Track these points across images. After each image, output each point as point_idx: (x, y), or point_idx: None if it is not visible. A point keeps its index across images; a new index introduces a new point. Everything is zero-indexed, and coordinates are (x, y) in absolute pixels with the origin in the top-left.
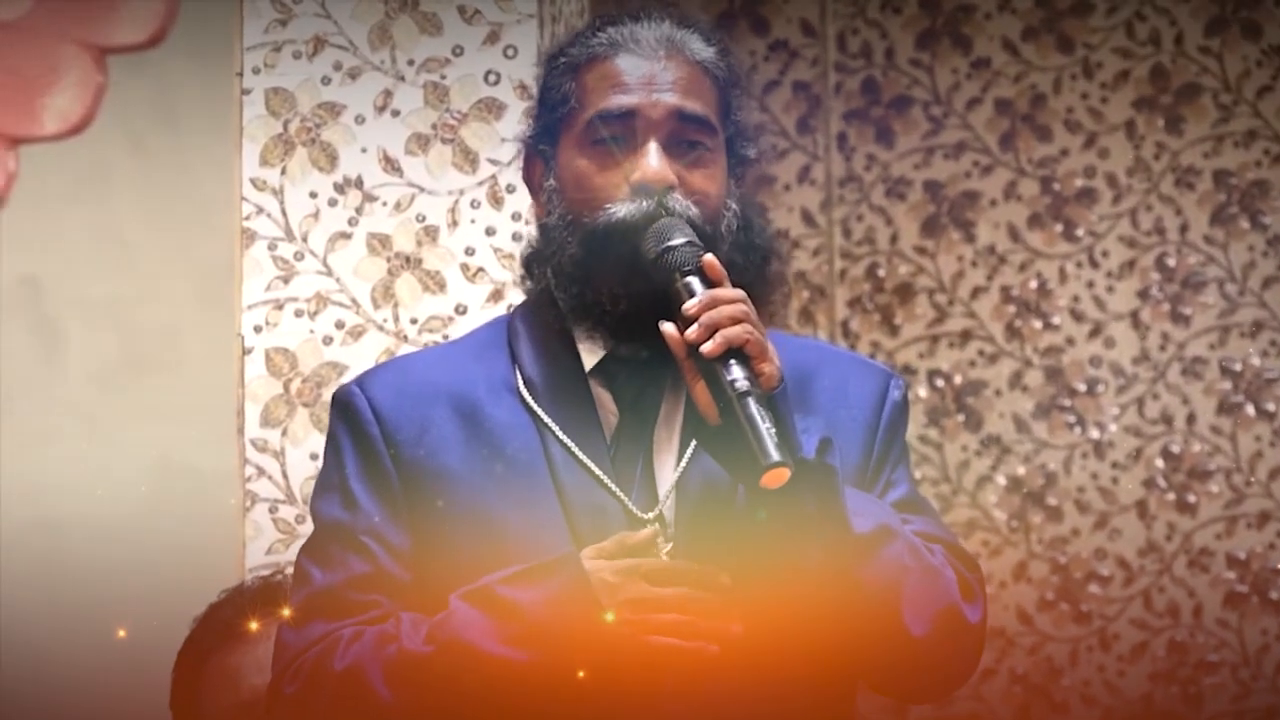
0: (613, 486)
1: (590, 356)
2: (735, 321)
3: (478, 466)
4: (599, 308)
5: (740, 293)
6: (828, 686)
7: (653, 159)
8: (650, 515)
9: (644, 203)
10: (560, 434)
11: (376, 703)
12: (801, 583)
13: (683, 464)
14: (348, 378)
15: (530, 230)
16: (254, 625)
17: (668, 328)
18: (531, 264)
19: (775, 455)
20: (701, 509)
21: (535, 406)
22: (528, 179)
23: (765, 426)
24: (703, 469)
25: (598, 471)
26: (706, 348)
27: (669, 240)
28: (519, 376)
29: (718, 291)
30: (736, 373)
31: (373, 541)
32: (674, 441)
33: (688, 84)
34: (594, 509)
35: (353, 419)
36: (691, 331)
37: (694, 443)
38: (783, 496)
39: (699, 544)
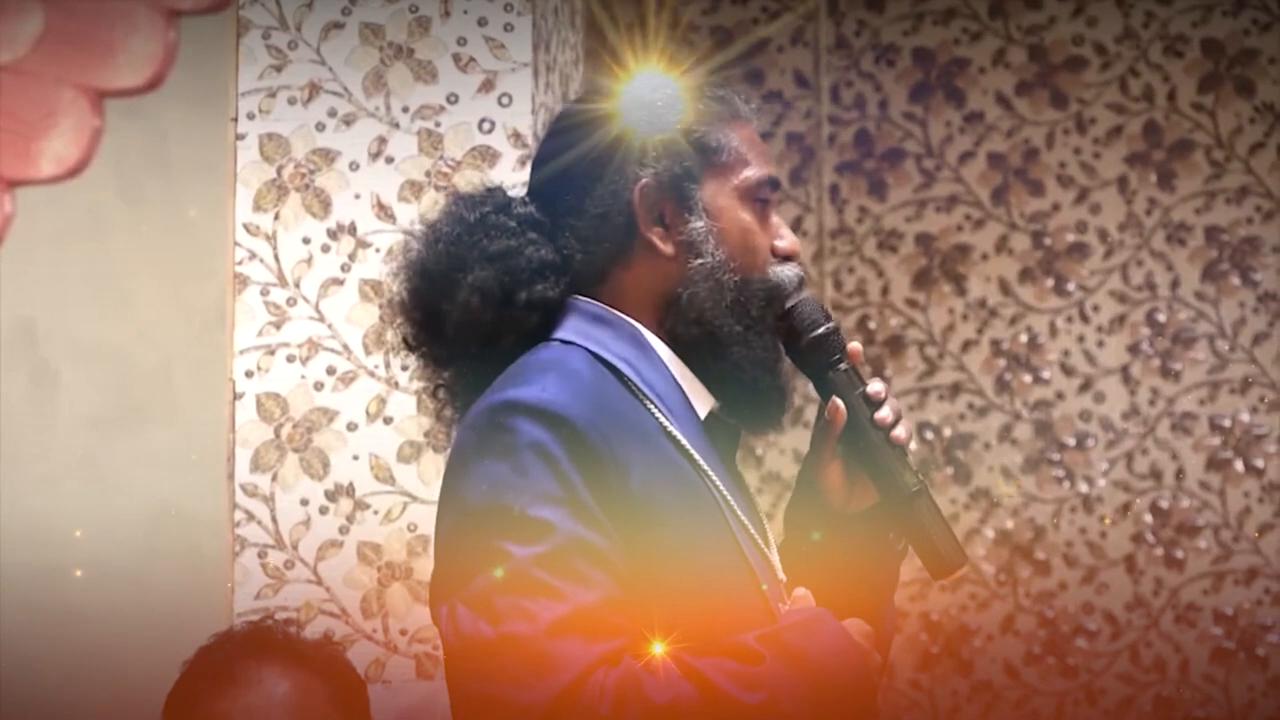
0: (766, 549)
1: (701, 407)
2: (901, 416)
3: (681, 500)
4: (743, 361)
5: None
6: None
7: (789, 231)
8: (783, 578)
9: (797, 272)
10: (716, 480)
11: None
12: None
13: (770, 529)
14: (339, 424)
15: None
16: (246, 669)
17: (838, 403)
18: (515, 291)
19: (960, 558)
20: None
21: (688, 447)
22: (642, 209)
23: (945, 527)
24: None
25: (750, 527)
26: (899, 433)
27: (823, 325)
28: (663, 417)
29: (880, 384)
30: (912, 467)
31: (621, 564)
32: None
33: None
34: (754, 558)
35: (572, 432)
36: (887, 414)
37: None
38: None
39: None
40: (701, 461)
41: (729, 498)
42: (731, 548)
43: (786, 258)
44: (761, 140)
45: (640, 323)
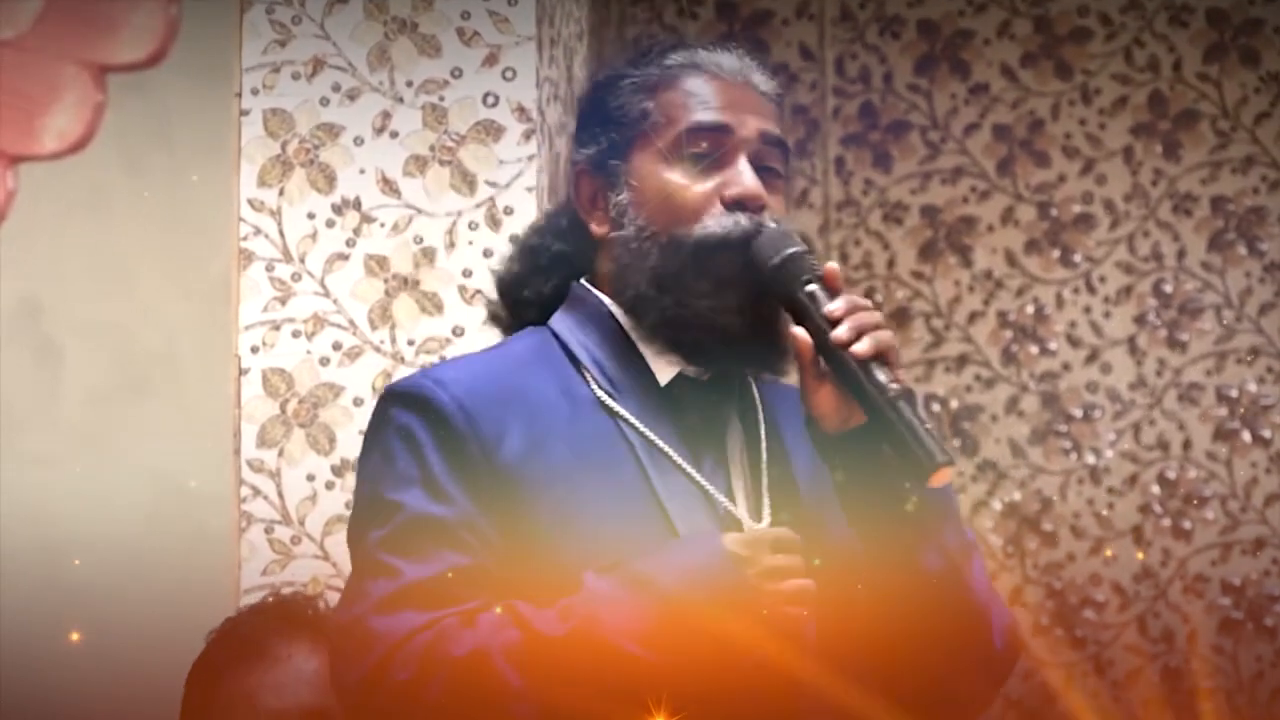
0: (716, 494)
1: (664, 373)
2: (878, 326)
3: (570, 469)
4: (697, 320)
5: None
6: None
7: (748, 175)
8: (761, 525)
9: (740, 218)
10: (657, 440)
11: (503, 687)
12: (915, 589)
13: (765, 480)
14: (345, 399)
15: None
16: (275, 644)
17: (799, 331)
18: (526, 284)
19: (944, 454)
20: (797, 524)
21: (623, 412)
22: (577, 198)
23: (927, 427)
24: (784, 487)
25: (699, 478)
26: (860, 348)
27: (788, 248)
28: (594, 386)
29: (856, 297)
30: (886, 376)
31: (470, 535)
32: (739, 462)
33: (767, 111)
34: (693, 514)
35: (436, 413)
36: (841, 332)
37: (763, 463)
38: (925, 497)
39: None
40: (640, 426)
41: (677, 458)
42: (647, 510)
43: (738, 204)
44: (714, 90)
45: (612, 299)
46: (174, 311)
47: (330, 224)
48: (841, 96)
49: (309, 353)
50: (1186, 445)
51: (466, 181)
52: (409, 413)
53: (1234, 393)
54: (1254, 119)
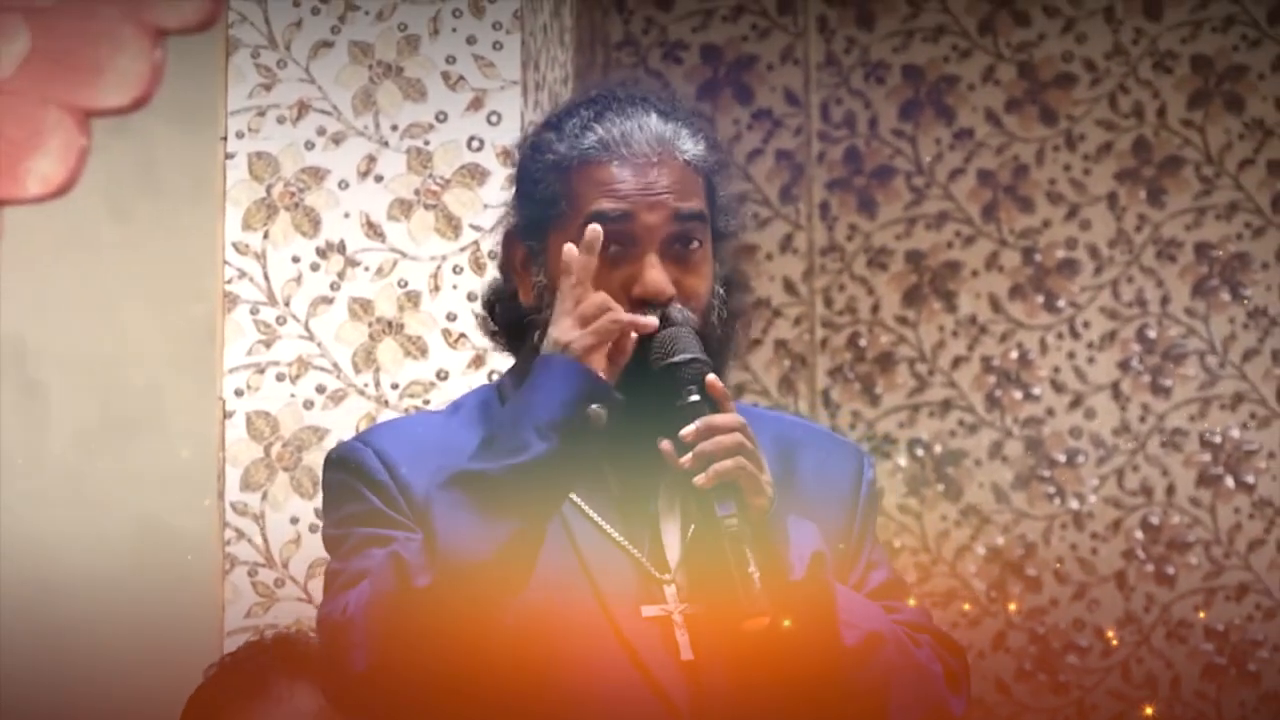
0: (629, 547)
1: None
2: (730, 453)
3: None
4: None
5: (738, 419)
6: None
7: (653, 271)
8: (665, 577)
9: (645, 315)
10: (573, 496)
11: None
12: (792, 688)
13: (691, 533)
14: (329, 442)
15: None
16: (276, 680)
17: (665, 445)
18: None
19: (757, 604)
20: (712, 574)
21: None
22: (508, 261)
23: (751, 570)
24: (702, 553)
25: (611, 531)
26: (698, 481)
27: (674, 355)
28: None
29: (716, 419)
30: (726, 509)
31: (395, 531)
32: (675, 507)
33: (682, 185)
34: (611, 566)
35: (363, 471)
36: (686, 460)
37: (692, 529)
38: (773, 626)
39: (713, 607)
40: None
41: (585, 506)
42: (559, 558)
43: (643, 302)
44: (621, 176)
45: None
46: (159, 354)
47: (315, 267)
48: (826, 141)
49: (293, 396)
50: (1170, 491)
51: (451, 225)
52: (343, 472)
53: (1217, 438)
54: (1238, 165)
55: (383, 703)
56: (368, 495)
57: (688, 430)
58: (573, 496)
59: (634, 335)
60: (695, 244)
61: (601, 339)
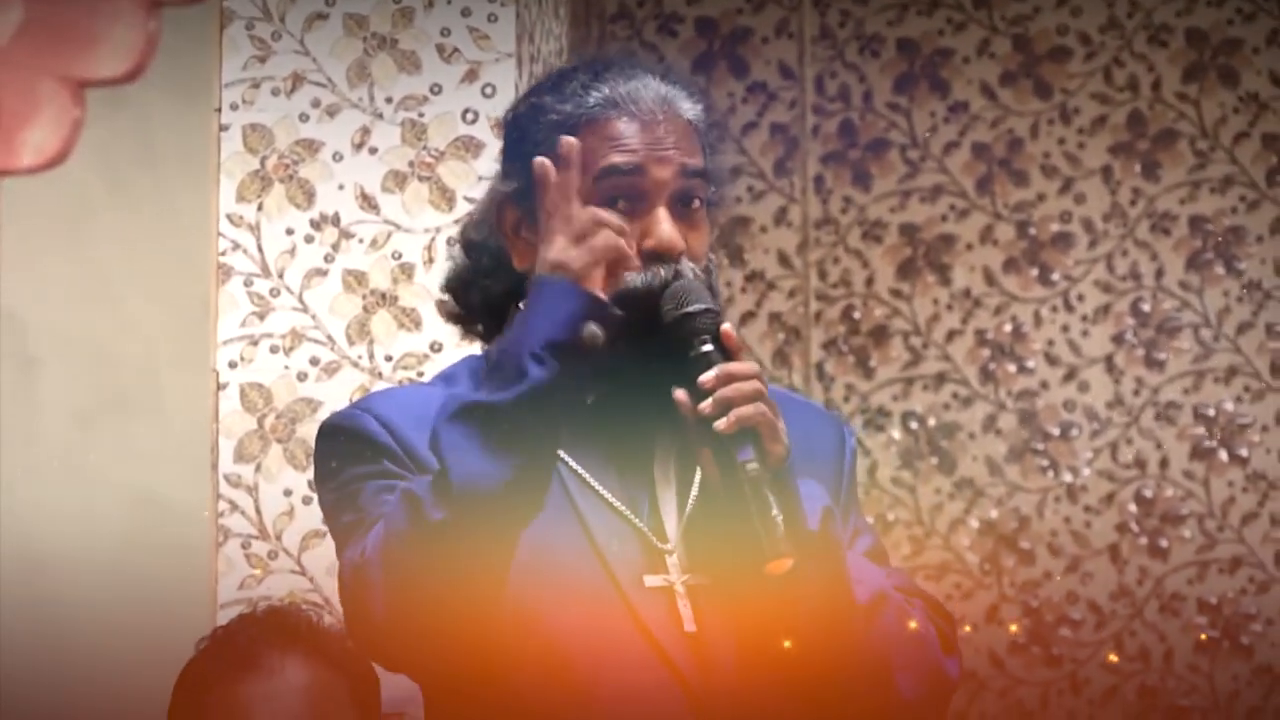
0: (631, 517)
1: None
2: (749, 400)
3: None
4: (608, 366)
5: (755, 367)
6: None
7: (665, 226)
8: (667, 546)
9: (660, 270)
10: (571, 463)
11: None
12: (801, 648)
13: (690, 503)
14: (323, 414)
15: (455, 256)
16: (268, 654)
17: (680, 395)
18: (472, 286)
19: (782, 548)
20: (709, 550)
21: None
22: (499, 225)
23: (774, 514)
24: (703, 524)
25: (613, 499)
26: (720, 425)
27: (688, 305)
28: None
29: (733, 367)
30: (749, 454)
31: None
32: (671, 479)
33: (687, 142)
34: (614, 534)
35: (363, 435)
36: (706, 405)
37: (695, 483)
38: (790, 575)
39: (716, 578)
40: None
41: (586, 474)
42: (567, 524)
43: (655, 256)
44: (630, 132)
45: None
46: (153, 326)
47: (309, 239)
48: (821, 114)
49: (287, 368)
50: (1164, 464)
51: (445, 197)
52: (342, 440)
53: (1211, 412)
54: (1233, 139)
55: (403, 648)
56: (372, 456)
57: (707, 377)
58: (573, 464)
59: (632, 252)
60: (697, 202)
61: (597, 257)
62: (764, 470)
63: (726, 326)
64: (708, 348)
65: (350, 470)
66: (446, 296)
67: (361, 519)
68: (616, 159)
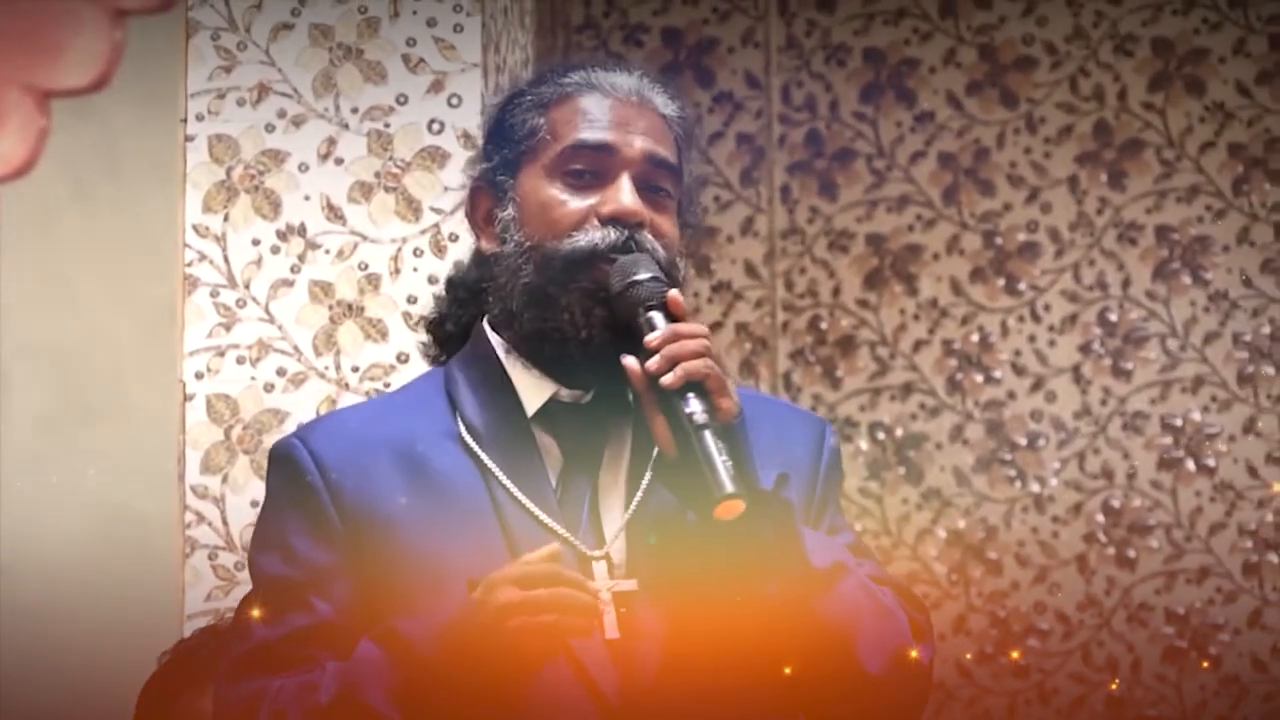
0: (557, 528)
1: (532, 402)
2: (697, 355)
3: (422, 514)
4: (558, 334)
5: (702, 328)
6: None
7: (626, 193)
8: (598, 554)
9: (612, 233)
10: (503, 479)
11: None
12: (756, 615)
13: (632, 506)
14: (289, 425)
15: (437, 289)
16: None
17: (629, 361)
18: (447, 319)
19: (729, 487)
20: (655, 548)
21: (479, 451)
22: (471, 213)
23: (721, 459)
24: (653, 509)
25: (542, 515)
26: (666, 379)
27: (635, 274)
28: (460, 423)
29: (680, 325)
30: (695, 405)
31: (314, 596)
32: (620, 484)
33: (658, 133)
34: (535, 546)
35: (293, 470)
36: (652, 363)
37: (643, 484)
38: (740, 528)
39: (651, 582)
40: (487, 459)
41: (517, 491)
42: (494, 550)
43: (613, 220)
44: (603, 109)
45: (496, 329)
46: (119, 336)
47: (275, 250)
48: (787, 124)
49: (253, 379)
50: (1131, 474)
51: (411, 208)
52: (275, 472)
53: (1178, 422)
54: (1199, 148)
55: None
56: (291, 511)
57: (653, 336)
58: (504, 479)
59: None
60: (665, 194)
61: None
62: (712, 421)
63: (674, 293)
64: (654, 313)
65: (273, 525)
66: (428, 338)
67: (249, 632)
68: (585, 135)
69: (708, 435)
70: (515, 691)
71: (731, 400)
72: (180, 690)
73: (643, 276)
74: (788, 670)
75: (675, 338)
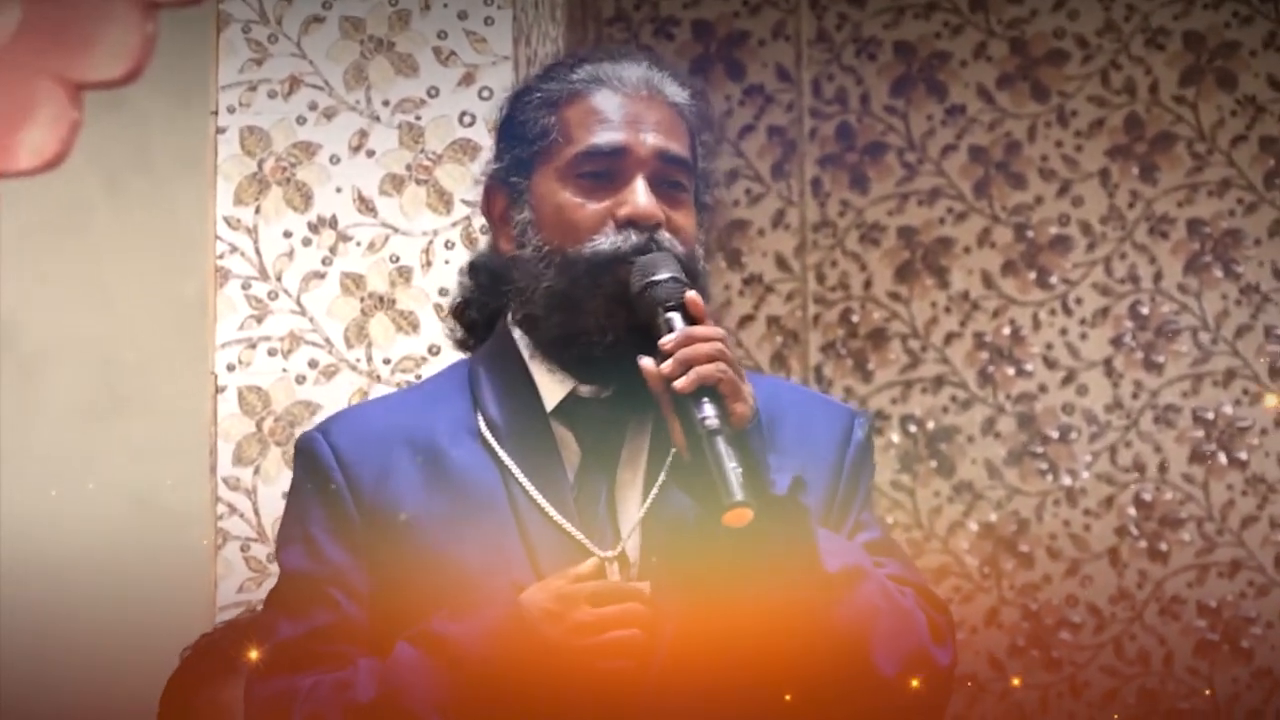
0: (569, 528)
1: (551, 397)
2: (710, 359)
3: (440, 510)
4: (583, 339)
5: (718, 330)
6: None
7: (641, 195)
8: (612, 553)
9: (632, 236)
10: (519, 475)
11: None
12: (767, 619)
13: (647, 502)
14: (320, 417)
15: (460, 279)
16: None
17: (646, 362)
18: (471, 304)
19: (738, 495)
20: (667, 547)
21: (497, 448)
22: (488, 212)
23: (731, 466)
24: (668, 507)
25: (555, 514)
26: (679, 384)
27: (654, 275)
28: (480, 418)
29: (694, 329)
30: (707, 410)
31: (337, 591)
32: (638, 481)
33: (670, 126)
34: (556, 549)
35: (315, 465)
36: (666, 366)
37: (659, 482)
38: (752, 534)
39: (665, 581)
40: (505, 455)
41: (531, 488)
42: (510, 548)
43: (630, 223)
44: (613, 107)
45: (516, 321)
46: (150, 329)
47: (306, 242)
48: (818, 118)
49: (285, 371)
50: (1163, 467)
51: (443, 200)
52: (299, 467)
53: (1210, 415)
54: (1230, 142)
55: None
56: (315, 506)
57: (667, 339)
58: (523, 480)
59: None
60: (680, 188)
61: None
62: (724, 427)
63: (692, 294)
64: (672, 314)
65: (293, 519)
66: (453, 323)
67: (274, 629)
68: (597, 139)
69: (719, 441)
70: (575, 701)
71: (746, 404)
72: (202, 684)
73: (662, 277)
74: (788, 697)
75: (689, 341)
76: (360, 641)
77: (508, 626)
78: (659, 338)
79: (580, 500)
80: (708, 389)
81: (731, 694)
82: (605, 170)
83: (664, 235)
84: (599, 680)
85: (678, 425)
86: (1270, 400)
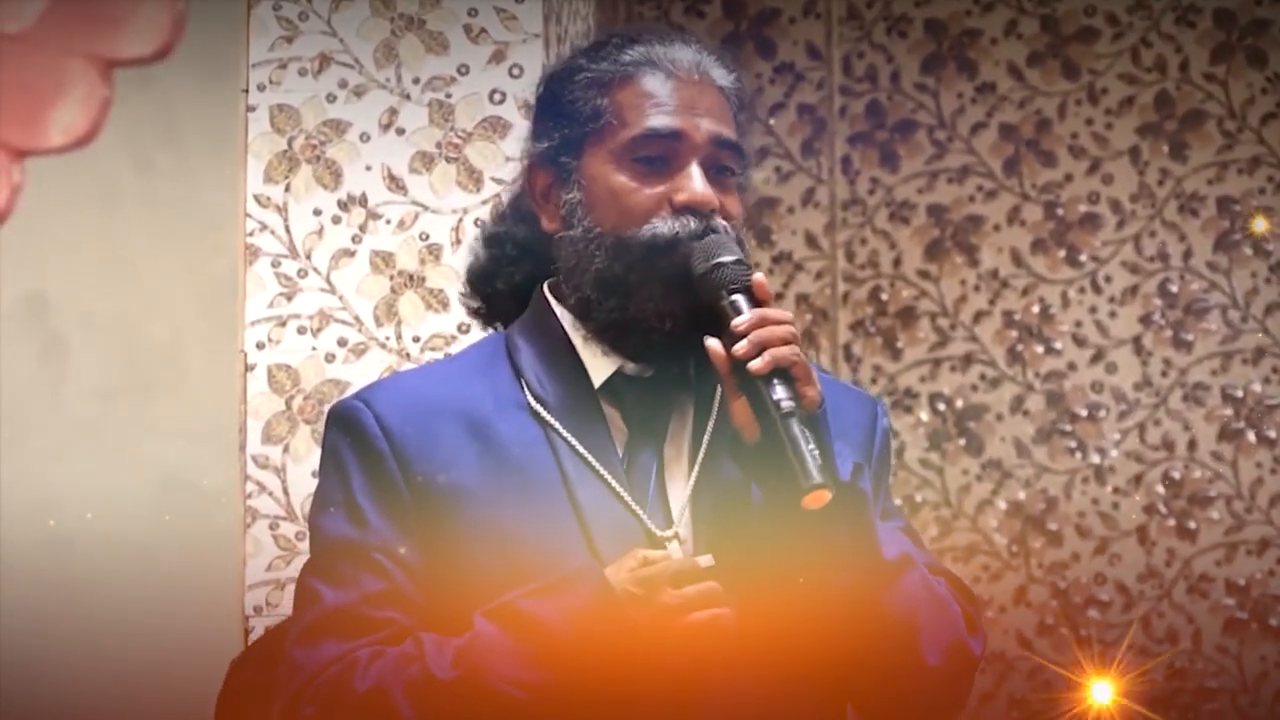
0: (630, 502)
1: (599, 374)
2: (784, 342)
3: (491, 482)
4: (642, 324)
5: (788, 314)
6: (831, 708)
7: (698, 182)
8: (668, 533)
9: (690, 222)
10: (578, 446)
11: None
12: (825, 604)
13: (692, 481)
14: (348, 395)
15: (478, 250)
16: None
17: (713, 343)
18: (496, 276)
19: (818, 477)
20: (718, 527)
21: (552, 420)
22: (530, 190)
23: (809, 448)
24: (715, 487)
25: (616, 486)
26: (754, 365)
27: (719, 257)
28: (527, 392)
29: (768, 310)
30: (781, 392)
31: (385, 558)
32: (683, 460)
33: (721, 111)
34: (611, 524)
35: (358, 433)
36: (740, 347)
37: (699, 459)
38: (820, 518)
39: (725, 561)
40: (563, 431)
41: (592, 459)
42: (564, 521)
43: (687, 209)
44: (668, 91)
45: (560, 299)
46: (180, 307)
47: (336, 220)
48: (848, 95)
49: (314, 349)
50: (1191, 445)
51: (473, 178)
52: (338, 433)
53: (1239, 393)
54: (1260, 119)
55: None
56: (356, 475)
57: (740, 320)
58: (582, 451)
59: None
60: (730, 172)
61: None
62: (799, 409)
63: (759, 276)
64: (739, 297)
65: (337, 490)
66: (466, 289)
67: (318, 596)
68: (654, 123)
69: (794, 424)
70: (660, 684)
71: (816, 389)
72: (249, 695)
73: (727, 259)
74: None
75: (763, 323)
76: (409, 611)
77: (597, 608)
78: (722, 319)
79: (630, 476)
80: (780, 371)
81: (789, 673)
82: (660, 155)
83: (719, 221)
84: (688, 661)
85: (744, 406)
86: None
